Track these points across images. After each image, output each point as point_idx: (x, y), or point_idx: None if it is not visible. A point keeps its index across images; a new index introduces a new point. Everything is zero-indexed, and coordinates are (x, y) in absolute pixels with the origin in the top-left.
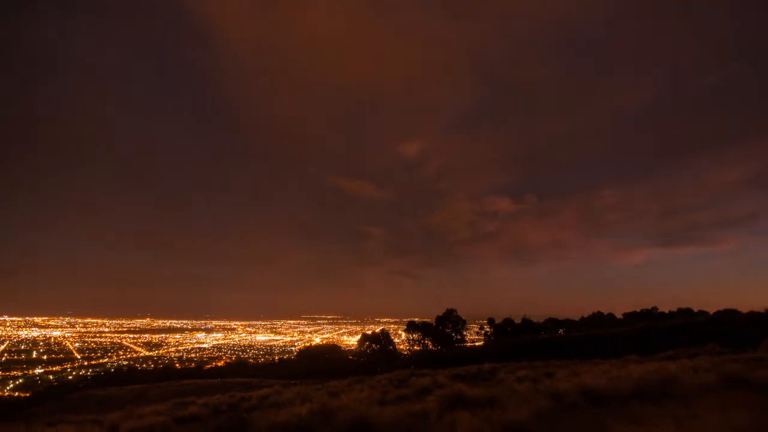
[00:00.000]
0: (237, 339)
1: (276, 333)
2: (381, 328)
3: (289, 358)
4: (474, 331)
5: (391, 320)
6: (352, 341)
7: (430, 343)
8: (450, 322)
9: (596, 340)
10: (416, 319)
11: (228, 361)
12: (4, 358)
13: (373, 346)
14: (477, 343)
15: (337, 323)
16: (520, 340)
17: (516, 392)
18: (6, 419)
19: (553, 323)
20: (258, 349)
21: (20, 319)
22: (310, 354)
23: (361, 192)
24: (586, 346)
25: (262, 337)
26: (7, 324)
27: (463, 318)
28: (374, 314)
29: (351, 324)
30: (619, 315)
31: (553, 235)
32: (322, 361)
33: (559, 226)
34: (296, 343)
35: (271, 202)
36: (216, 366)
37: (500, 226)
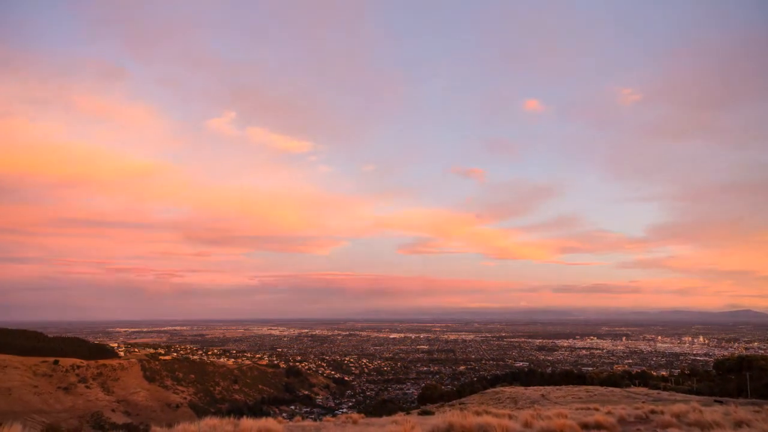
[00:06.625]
0: (635, 345)
1: (682, 339)
2: None
3: (704, 370)
4: None
5: None
6: None
7: None
8: None
9: None
10: None
11: (625, 368)
12: (435, 356)
13: None
14: None
15: None
16: None
17: None
18: (445, 404)
19: None
20: (659, 357)
21: (443, 325)
22: (734, 366)
23: None
24: None
25: (662, 345)
26: (437, 329)
27: None
28: None
29: None
30: None
31: None
32: (752, 377)
33: None
34: (712, 353)
35: None
36: (613, 373)
37: None
